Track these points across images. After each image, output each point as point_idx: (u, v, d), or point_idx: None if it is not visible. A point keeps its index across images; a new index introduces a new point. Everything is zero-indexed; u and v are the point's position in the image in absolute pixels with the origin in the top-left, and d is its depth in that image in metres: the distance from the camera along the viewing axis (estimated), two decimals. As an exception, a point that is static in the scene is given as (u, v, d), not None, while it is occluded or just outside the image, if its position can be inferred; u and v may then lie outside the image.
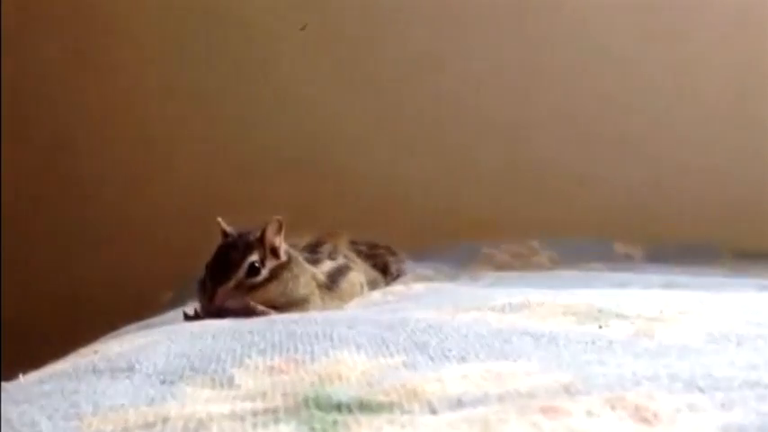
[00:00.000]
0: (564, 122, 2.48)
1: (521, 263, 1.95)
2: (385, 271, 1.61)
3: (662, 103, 2.47)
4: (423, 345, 0.85)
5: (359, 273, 1.44)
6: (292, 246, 1.30)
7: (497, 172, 2.47)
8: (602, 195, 2.44)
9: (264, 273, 1.21)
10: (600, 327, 0.94)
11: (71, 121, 2.57)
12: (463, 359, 0.80)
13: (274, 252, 1.23)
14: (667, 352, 0.81)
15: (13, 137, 2.55)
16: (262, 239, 1.22)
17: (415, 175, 2.48)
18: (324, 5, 2.51)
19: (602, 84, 2.47)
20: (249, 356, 0.83)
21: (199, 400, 0.71)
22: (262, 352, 0.85)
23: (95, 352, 0.94)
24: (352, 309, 1.29)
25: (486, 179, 2.47)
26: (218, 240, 1.25)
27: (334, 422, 0.62)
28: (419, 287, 1.46)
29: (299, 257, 1.29)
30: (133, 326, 1.26)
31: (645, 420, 0.59)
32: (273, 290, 1.21)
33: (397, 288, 1.48)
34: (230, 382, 0.77)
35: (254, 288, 1.19)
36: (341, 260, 1.42)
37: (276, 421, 0.64)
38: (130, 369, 0.81)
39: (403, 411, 0.64)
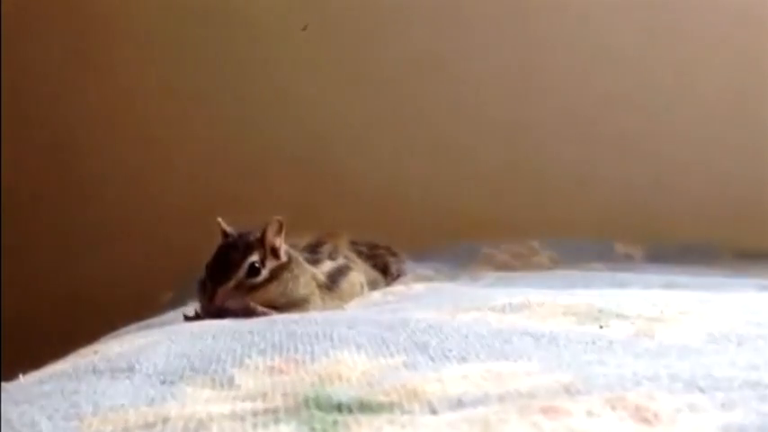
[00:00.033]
0: (564, 122, 2.48)
1: (521, 263, 1.95)
2: (385, 271, 1.61)
3: (662, 103, 2.47)
4: (423, 345, 0.85)
5: (359, 273, 1.44)
6: (292, 246, 1.30)
7: (497, 172, 2.47)
8: (602, 195, 2.44)
9: (264, 273, 1.21)
10: (600, 327, 0.94)
11: (71, 120, 2.57)
12: (463, 359, 0.80)
13: (274, 252, 1.23)
14: (668, 352, 0.81)
15: (13, 137, 2.55)
16: (262, 240, 1.22)
17: (415, 175, 2.48)
18: (324, 6, 2.51)
19: (603, 84, 2.47)
20: (249, 357, 0.83)
21: (199, 401, 0.71)
22: (262, 352, 0.85)
23: (95, 352, 0.94)
24: (353, 309, 1.29)
25: (486, 179, 2.47)
26: (219, 240, 1.25)
27: (335, 422, 0.62)
28: (419, 287, 1.46)
29: (300, 258, 1.29)
30: (133, 326, 1.26)
31: (645, 420, 0.59)
32: (273, 290, 1.21)
33: (397, 288, 1.48)
34: (230, 383, 0.77)
35: (255, 288, 1.19)
36: (341, 260, 1.42)
37: (276, 421, 0.64)
38: (130, 369, 0.81)
39: (403, 411, 0.64)
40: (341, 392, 0.69)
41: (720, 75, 2.44)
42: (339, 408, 0.65)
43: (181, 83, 2.53)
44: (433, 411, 0.64)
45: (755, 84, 2.42)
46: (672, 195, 2.42)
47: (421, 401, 0.66)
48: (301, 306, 1.23)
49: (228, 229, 1.26)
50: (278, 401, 0.68)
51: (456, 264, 1.85)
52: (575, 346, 0.85)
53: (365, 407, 0.65)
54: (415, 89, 2.50)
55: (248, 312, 1.14)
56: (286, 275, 1.23)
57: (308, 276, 1.28)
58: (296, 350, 0.85)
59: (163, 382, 0.77)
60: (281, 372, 0.79)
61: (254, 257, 1.20)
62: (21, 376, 0.87)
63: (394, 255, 1.68)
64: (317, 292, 1.28)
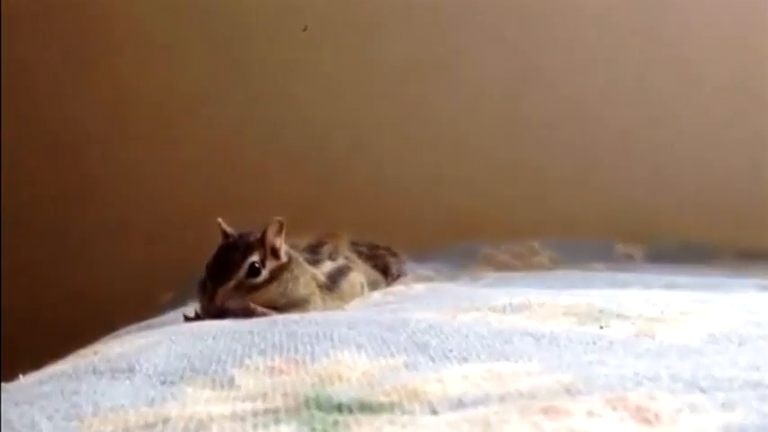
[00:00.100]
0: (564, 122, 2.47)
1: (521, 263, 1.95)
2: (385, 272, 1.61)
3: (662, 103, 2.46)
4: (423, 345, 0.85)
5: (359, 273, 1.44)
6: (292, 246, 1.30)
7: (497, 172, 2.47)
8: (602, 195, 2.44)
9: (265, 273, 1.21)
10: (601, 327, 0.94)
11: (71, 120, 2.57)
12: (464, 359, 0.80)
13: (275, 253, 1.23)
14: (668, 352, 0.81)
15: (13, 137, 2.55)
16: (262, 240, 1.22)
17: (415, 175, 2.48)
18: (324, 6, 2.51)
19: (603, 84, 2.47)
20: (250, 357, 0.83)
21: (199, 401, 0.71)
22: (262, 352, 0.85)
23: (95, 352, 0.94)
24: (353, 309, 1.29)
25: (487, 179, 2.47)
26: (219, 241, 1.25)
27: (335, 423, 0.62)
28: (420, 288, 1.46)
29: (300, 258, 1.29)
30: (133, 326, 1.26)
31: (646, 421, 0.59)
32: (274, 290, 1.21)
33: (397, 288, 1.48)
34: (231, 383, 0.76)
35: (255, 289, 1.19)
36: (341, 261, 1.42)
37: (277, 422, 0.64)
38: (131, 370, 0.81)
39: (404, 412, 0.64)
40: (341, 393, 0.69)
41: (721, 75, 2.44)
42: (339, 408, 0.65)
43: (181, 83, 2.53)
44: (434, 412, 0.64)
45: (756, 84, 2.42)
46: (672, 195, 2.42)
47: (421, 402, 0.66)
48: (301, 306, 1.23)
49: (229, 229, 1.26)
50: (278, 402, 0.68)
51: (456, 264, 1.85)
52: (575, 346, 0.85)
53: (365, 407, 0.65)
54: (415, 89, 2.50)
55: (248, 313, 1.14)
56: (286, 276, 1.23)
57: (308, 277, 1.28)
58: (296, 350, 0.85)
59: (163, 383, 0.77)
60: (281, 372, 0.79)
61: (255, 258, 1.20)
62: (21, 376, 0.87)
63: (394, 255, 1.68)
64: (317, 292, 1.28)
